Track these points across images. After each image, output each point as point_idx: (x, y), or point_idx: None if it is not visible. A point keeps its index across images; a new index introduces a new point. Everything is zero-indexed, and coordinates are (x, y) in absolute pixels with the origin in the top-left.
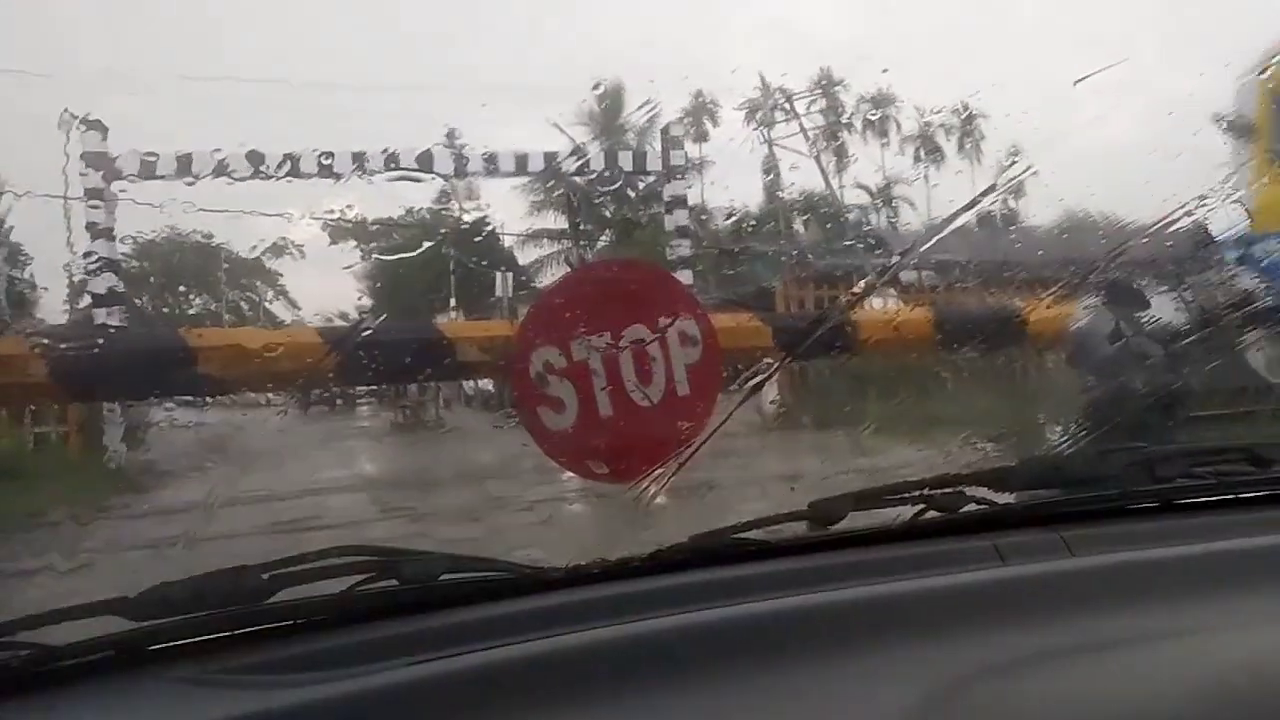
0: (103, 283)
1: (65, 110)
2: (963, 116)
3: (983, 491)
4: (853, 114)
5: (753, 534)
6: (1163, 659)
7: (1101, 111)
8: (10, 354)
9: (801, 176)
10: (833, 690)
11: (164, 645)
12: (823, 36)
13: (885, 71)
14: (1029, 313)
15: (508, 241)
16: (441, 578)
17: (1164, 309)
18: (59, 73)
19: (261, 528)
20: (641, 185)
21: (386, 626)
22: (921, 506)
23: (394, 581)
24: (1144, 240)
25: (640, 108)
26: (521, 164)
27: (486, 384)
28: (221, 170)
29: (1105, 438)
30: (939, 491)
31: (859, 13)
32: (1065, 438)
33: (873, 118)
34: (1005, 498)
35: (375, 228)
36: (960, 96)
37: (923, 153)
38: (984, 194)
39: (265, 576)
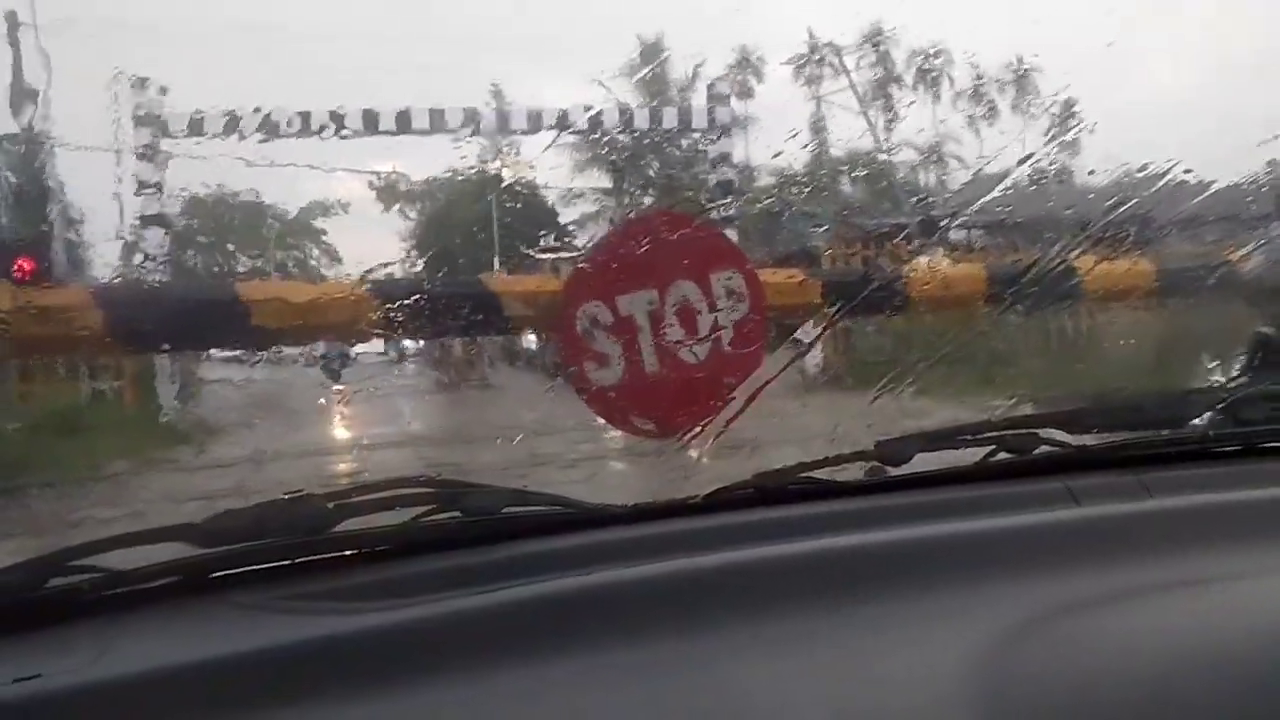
0: (153, 239)
1: (116, 68)
2: (1017, 71)
3: (1056, 433)
4: (903, 69)
5: (817, 474)
6: (1241, 600)
7: (1162, 62)
8: (69, 304)
9: (850, 133)
10: (898, 629)
11: (228, 572)
12: None
13: (937, 24)
14: (1088, 268)
15: (551, 199)
16: (503, 511)
17: None
18: (108, 28)
19: (309, 481)
20: (686, 142)
21: (448, 558)
22: (992, 448)
23: (456, 514)
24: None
25: (685, 65)
26: (564, 121)
27: (531, 340)
28: (268, 128)
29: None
30: (1011, 432)
31: None
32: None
33: (924, 72)
34: (1080, 440)
35: (420, 186)
36: (1016, 50)
37: (975, 108)
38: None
39: (329, 506)
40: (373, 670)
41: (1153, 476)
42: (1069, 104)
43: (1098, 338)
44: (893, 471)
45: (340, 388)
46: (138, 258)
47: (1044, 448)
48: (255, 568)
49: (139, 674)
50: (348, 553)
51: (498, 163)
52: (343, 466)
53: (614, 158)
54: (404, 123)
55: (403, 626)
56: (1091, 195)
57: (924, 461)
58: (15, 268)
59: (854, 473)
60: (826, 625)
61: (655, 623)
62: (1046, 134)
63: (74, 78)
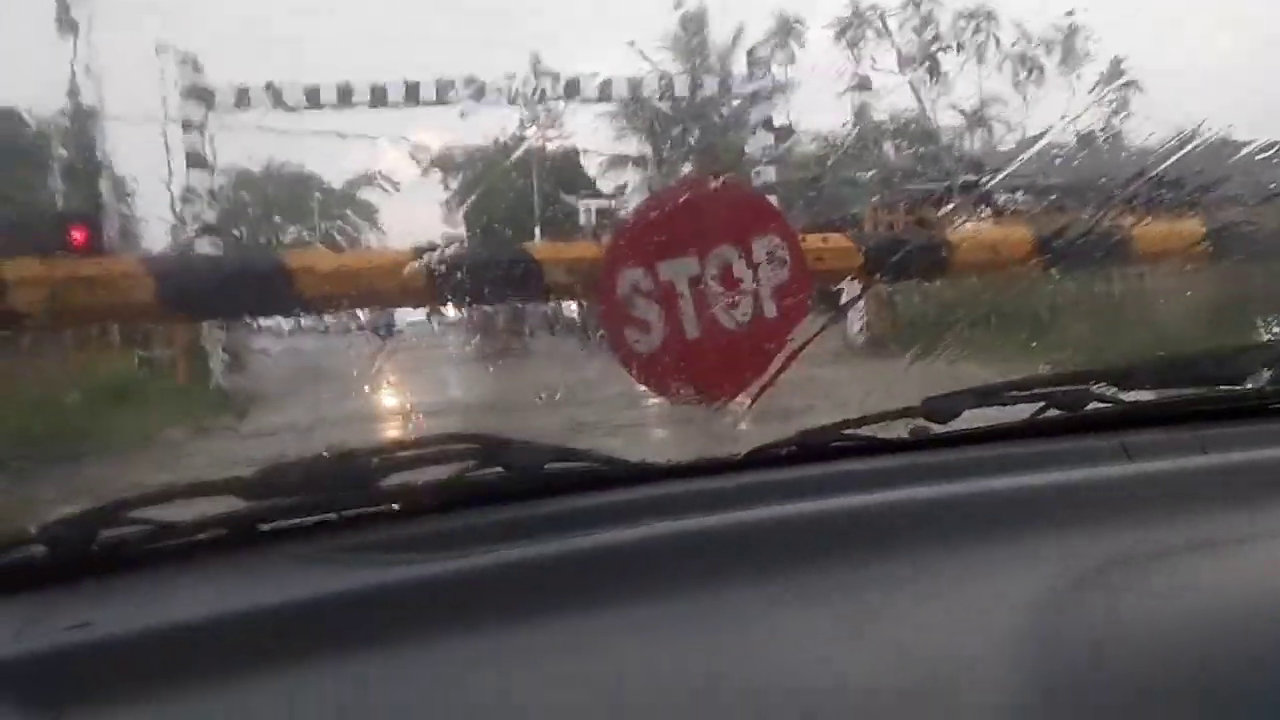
0: (201, 210)
1: (163, 42)
2: (1064, 31)
3: (1109, 389)
4: (948, 31)
5: (862, 430)
6: None
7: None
8: (123, 272)
9: (892, 97)
10: (943, 584)
11: (276, 525)
12: None
13: None
14: (1136, 228)
15: (591, 168)
16: (546, 467)
17: None
18: (153, 5)
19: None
20: (725, 109)
21: (492, 512)
22: (1043, 404)
23: (499, 469)
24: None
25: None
26: (605, 91)
27: (571, 307)
28: (311, 100)
29: None
30: (1062, 389)
31: None
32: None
33: (968, 34)
34: (1133, 396)
35: (461, 156)
36: (1061, 10)
37: (1021, 71)
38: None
39: (375, 461)
40: (419, 620)
41: (1208, 433)
42: (1116, 61)
43: (1149, 298)
44: (939, 429)
45: (384, 354)
46: (186, 229)
47: (1096, 404)
48: (303, 521)
49: (188, 622)
50: (394, 506)
51: (538, 131)
52: (387, 431)
53: (655, 125)
54: (445, 93)
55: (448, 578)
56: (1137, 154)
57: (972, 419)
58: (69, 238)
59: (899, 430)
60: (869, 579)
61: (696, 577)
62: (1092, 93)
63: (122, 53)
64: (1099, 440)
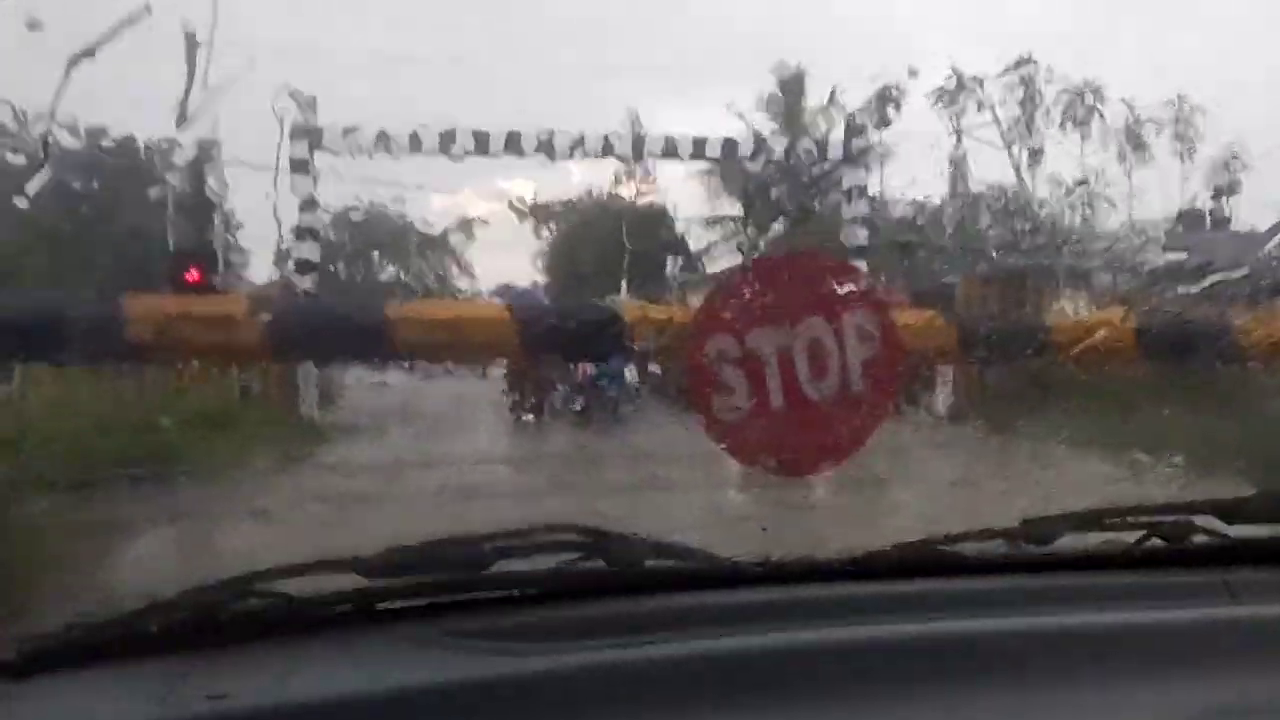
0: (304, 250)
1: (282, 85)
2: (1175, 110)
3: (1214, 522)
4: (1051, 104)
5: (959, 547)
6: None
7: None
8: (231, 313)
9: (991, 169)
10: None
11: (393, 605)
12: (1021, 19)
13: (1087, 59)
14: (1249, 326)
15: (681, 226)
16: (647, 563)
17: None
18: (269, 45)
19: (436, 491)
20: (820, 173)
21: (593, 605)
22: (1144, 533)
23: (601, 562)
24: None
25: (823, 97)
26: (700, 149)
27: (655, 368)
28: (415, 146)
29: None
30: (1165, 519)
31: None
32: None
33: (1072, 108)
34: (1239, 530)
35: (556, 208)
36: (1172, 88)
37: (1127, 148)
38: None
39: (487, 548)
40: (521, 714)
41: None
42: (1228, 144)
43: (1257, 400)
44: (1037, 551)
45: (471, 400)
46: (290, 267)
47: (1200, 536)
48: (418, 602)
49: (317, 700)
50: (502, 593)
51: (632, 188)
52: (468, 479)
53: (747, 186)
54: (546, 146)
55: (549, 674)
56: (1247, 239)
57: (1070, 542)
58: (186, 275)
59: (997, 549)
60: (963, 710)
61: (792, 691)
62: (1206, 178)
63: (236, 94)
64: (1202, 576)
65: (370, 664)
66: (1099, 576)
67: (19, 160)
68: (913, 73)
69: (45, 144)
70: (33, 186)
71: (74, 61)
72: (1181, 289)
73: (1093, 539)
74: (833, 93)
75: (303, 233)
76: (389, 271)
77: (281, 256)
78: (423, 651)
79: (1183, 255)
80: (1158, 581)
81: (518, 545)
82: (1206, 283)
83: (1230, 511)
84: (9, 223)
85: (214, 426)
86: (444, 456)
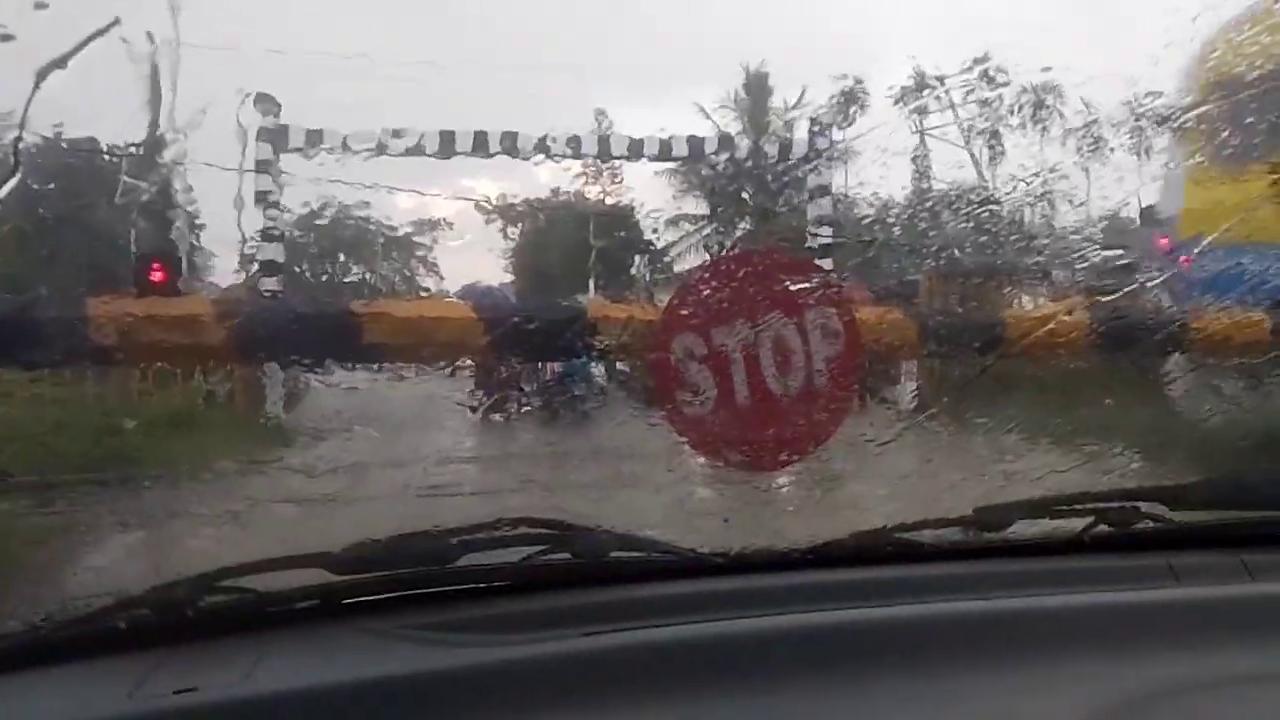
0: (269, 251)
1: (240, 88)
2: (1134, 110)
3: (1158, 508)
4: (1013, 104)
5: (915, 535)
6: None
7: None
8: (195, 314)
9: (952, 168)
10: (992, 701)
11: (360, 599)
12: (982, 20)
13: (1048, 70)
14: (1202, 322)
15: (647, 225)
16: (611, 555)
17: None
18: (233, 49)
19: (401, 491)
20: (785, 172)
21: (559, 597)
22: (1092, 519)
23: (567, 555)
24: None
25: (788, 97)
26: (666, 149)
27: (623, 366)
28: (380, 147)
29: None
30: (1112, 505)
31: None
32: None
33: (1033, 108)
34: (1182, 516)
35: (521, 208)
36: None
37: (1085, 147)
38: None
39: (452, 542)
40: (487, 704)
41: (1256, 558)
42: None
43: (1208, 393)
44: (990, 537)
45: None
46: (254, 269)
47: (1145, 522)
48: (384, 596)
49: (285, 693)
50: (468, 586)
51: (598, 188)
52: (435, 479)
53: (713, 186)
54: (510, 146)
55: (515, 664)
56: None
57: (1022, 529)
58: (150, 275)
59: (952, 536)
60: (919, 692)
61: (753, 677)
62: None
63: (200, 94)
64: (1147, 559)
65: (337, 657)
66: (1049, 561)
67: None
68: (871, 89)
69: (16, 151)
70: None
71: (44, 72)
72: (1126, 284)
73: (1043, 525)
74: (801, 93)
75: (268, 234)
76: (355, 272)
77: (246, 258)
78: (390, 645)
79: (1120, 252)
80: (1105, 565)
81: (483, 539)
82: (1144, 278)
83: (1174, 498)
84: None
85: (178, 428)
86: (411, 456)
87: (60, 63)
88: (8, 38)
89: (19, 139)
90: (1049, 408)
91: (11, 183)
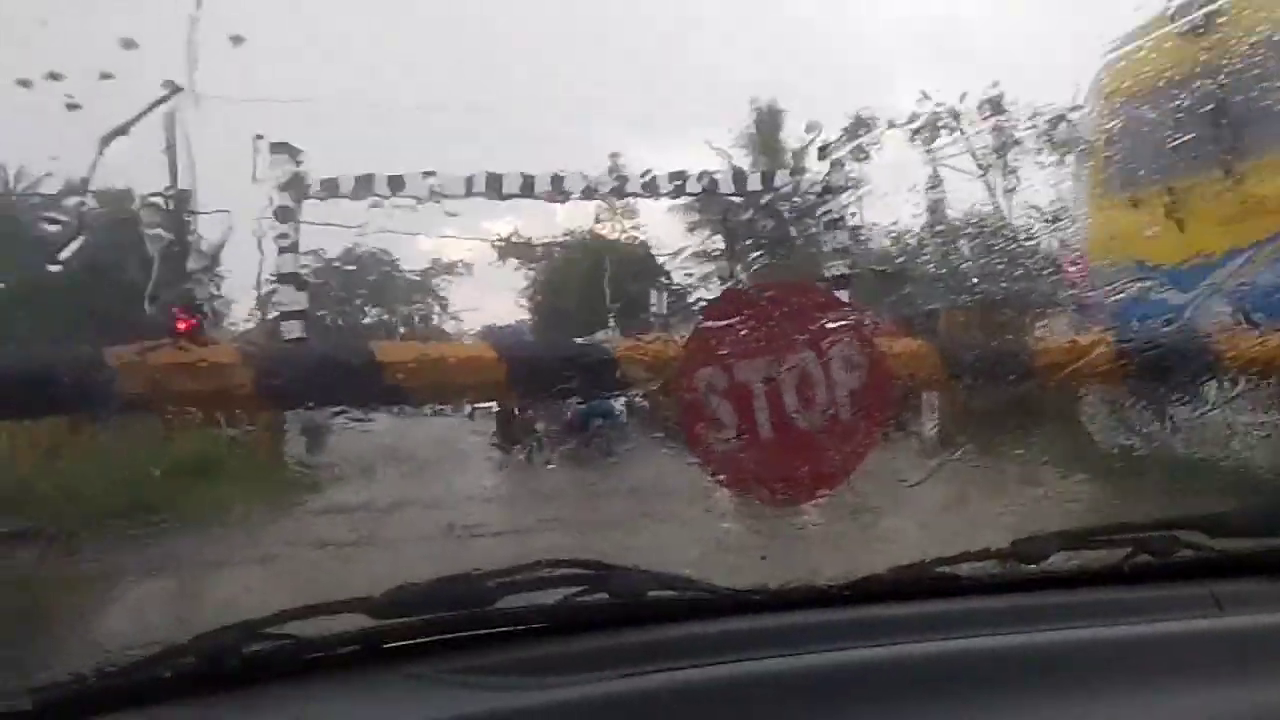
0: (289, 296)
1: (257, 135)
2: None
3: (1198, 536)
4: (1024, 132)
5: (953, 569)
6: None
7: None
8: (222, 362)
9: (966, 197)
10: None
11: (400, 644)
12: (991, 52)
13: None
14: (1237, 346)
15: (663, 261)
16: (649, 594)
17: None
18: (250, 98)
19: (430, 533)
20: (799, 206)
21: (597, 638)
22: (1131, 549)
23: (604, 595)
24: None
25: (801, 131)
26: (680, 185)
27: (644, 403)
28: (397, 189)
29: None
30: (1151, 534)
31: (1034, 26)
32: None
33: (1045, 134)
34: (1223, 544)
35: (539, 248)
36: None
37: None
38: None
39: (492, 584)
40: None
41: None
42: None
43: (1241, 424)
44: (1029, 570)
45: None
46: (273, 313)
47: (1186, 551)
48: (425, 640)
49: None
50: (507, 629)
51: (615, 226)
52: (460, 519)
53: (728, 221)
54: (527, 187)
55: (556, 706)
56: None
57: (1060, 561)
58: (177, 323)
59: (990, 569)
60: None
61: (797, 716)
62: None
63: (220, 143)
64: (1189, 589)
65: (380, 703)
66: (1089, 593)
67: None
68: (883, 122)
69: (80, 215)
70: (58, 251)
71: (108, 139)
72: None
73: (1082, 557)
74: (818, 129)
75: (287, 279)
76: (375, 315)
77: (267, 304)
78: (431, 688)
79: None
80: (1146, 596)
81: (522, 581)
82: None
83: (1213, 526)
84: None
85: (204, 475)
86: (437, 499)
87: (123, 130)
88: (74, 107)
89: (82, 203)
90: (1078, 438)
91: (75, 244)
